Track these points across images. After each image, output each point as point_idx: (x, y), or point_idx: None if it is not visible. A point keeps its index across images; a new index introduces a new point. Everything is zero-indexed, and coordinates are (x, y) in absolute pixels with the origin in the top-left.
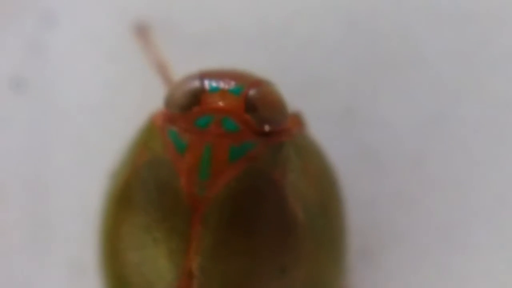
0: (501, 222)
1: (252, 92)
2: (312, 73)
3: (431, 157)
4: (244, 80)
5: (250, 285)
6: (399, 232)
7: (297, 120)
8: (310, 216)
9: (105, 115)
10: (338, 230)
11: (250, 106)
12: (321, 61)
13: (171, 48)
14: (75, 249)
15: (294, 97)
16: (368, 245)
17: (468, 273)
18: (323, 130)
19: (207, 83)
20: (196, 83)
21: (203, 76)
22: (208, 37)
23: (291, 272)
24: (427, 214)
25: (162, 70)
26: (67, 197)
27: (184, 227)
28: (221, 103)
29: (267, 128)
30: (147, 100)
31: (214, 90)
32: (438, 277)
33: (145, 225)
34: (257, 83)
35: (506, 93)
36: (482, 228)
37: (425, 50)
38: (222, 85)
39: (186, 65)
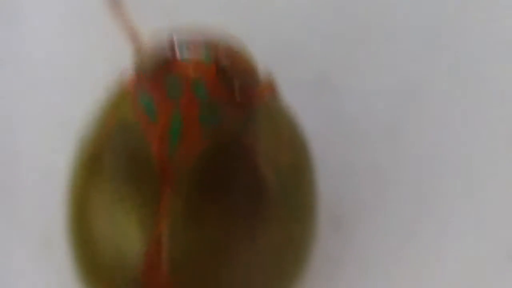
0: (474, 191)
1: (223, 59)
2: (287, 38)
3: (405, 126)
4: (215, 48)
5: (222, 250)
6: (371, 201)
7: (269, 85)
8: (281, 182)
9: (74, 84)
10: (309, 196)
11: (221, 73)
12: (297, 27)
13: (142, 17)
14: (43, 220)
15: (267, 62)
16: (340, 214)
17: (441, 241)
18: (297, 97)
19: (177, 52)
20: (167, 52)
21: (173, 44)
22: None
23: (262, 239)
24: (399, 184)
25: (133, 38)
26: (34, 166)
27: (154, 193)
28: (191, 69)
29: (238, 94)
30: (117, 70)
31: (185, 59)
32: (410, 245)
33: (114, 190)
34: (228, 50)
35: (479, 64)
36: (454, 197)
37: (401, 20)
38: (193, 54)
39: (157, 33)
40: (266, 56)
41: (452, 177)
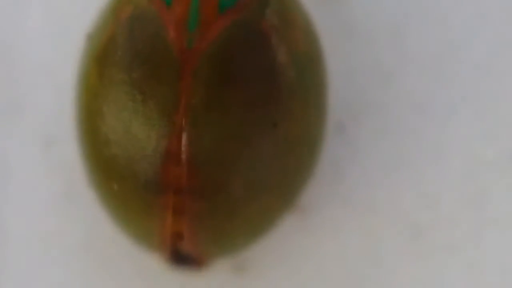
0: (478, 93)
1: None
2: None
3: (408, 29)
4: None
5: (242, 140)
6: (374, 104)
7: None
8: (299, 70)
9: None
10: (323, 86)
11: None
12: None
13: None
14: (48, 122)
15: None
16: (344, 117)
17: (443, 142)
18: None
19: None
20: None
21: None
22: None
23: (282, 125)
24: (402, 86)
25: None
26: (39, 68)
27: (174, 81)
28: None
29: None
30: None
31: None
32: (414, 148)
33: (132, 81)
34: None
35: None
36: (458, 99)
37: None
38: None
39: None
40: None
41: (457, 78)
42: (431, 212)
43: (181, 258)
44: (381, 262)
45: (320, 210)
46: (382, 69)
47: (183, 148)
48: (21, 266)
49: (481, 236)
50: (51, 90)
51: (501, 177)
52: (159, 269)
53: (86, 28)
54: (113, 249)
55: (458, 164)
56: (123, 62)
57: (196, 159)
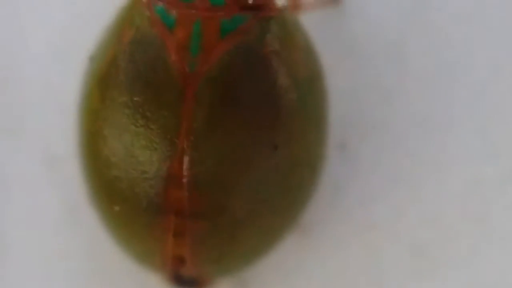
0: (478, 110)
1: None
2: None
3: (410, 47)
4: None
5: (243, 163)
6: (376, 123)
7: None
8: (300, 92)
9: (82, 7)
10: (324, 108)
11: None
12: None
13: None
14: (51, 140)
15: None
16: (345, 136)
17: (444, 160)
18: (302, 19)
19: None
20: None
21: None
22: None
23: (283, 149)
24: (405, 105)
25: None
26: (41, 87)
27: (176, 104)
28: None
29: (251, 0)
30: None
31: None
32: (414, 166)
33: (134, 104)
34: None
35: None
36: (458, 117)
37: None
38: None
39: None
40: None
41: (458, 97)
42: (432, 230)
43: (183, 280)
44: (382, 279)
45: (321, 228)
46: (382, 88)
47: (184, 171)
48: (21, 284)
49: (482, 253)
50: (54, 109)
51: (502, 194)
52: None
53: (89, 50)
54: (115, 267)
55: (459, 182)
56: (125, 85)
57: (197, 181)
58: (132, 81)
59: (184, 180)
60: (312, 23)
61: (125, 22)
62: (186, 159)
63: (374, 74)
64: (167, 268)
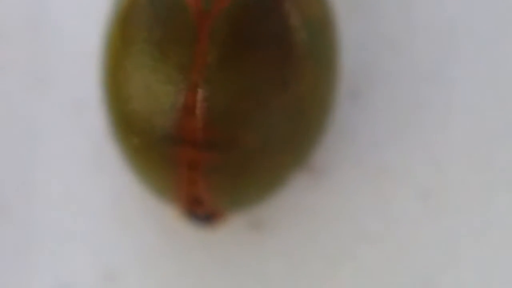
0: (485, 61)
1: None
2: None
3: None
4: None
5: (253, 97)
6: (386, 73)
7: None
8: (311, 34)
9: None
10: (335, 51)
11: None
12: None
13: None
14: (78, 88)
15: None
16: (355, 85)
17: (452, 108)
18: None
19: None
20: None
21: None
22: None
23: (293, 86)
24: (414, 55)
25: None
26: (67, 36)
27: (191, 41)
28: None
29: None
30: None
31: None
32: (423, 113)
33: (152, 41)
34: None
35: None
36: (466, 68)
37: None
38: None
39: None
40: None
41: (467, 48)
42: (440, 175)
43: (198, 214)
44: (391, 222)
45: (333, 171)
46: (392, 38)
47: (198, 103)
48: (48, 227)
49: (491, 200)
50: (81, 57)
51: (508, 140)
52: (180, 228)
53: None
54: (139, 212)
55: (467, 129)
56: (144, 24)
57: (210, 113)
58: (150, 19)
59: (198, 111)
60: None
61: None
62: (200, 92)
63: (385, 24)
64: (182, 200)
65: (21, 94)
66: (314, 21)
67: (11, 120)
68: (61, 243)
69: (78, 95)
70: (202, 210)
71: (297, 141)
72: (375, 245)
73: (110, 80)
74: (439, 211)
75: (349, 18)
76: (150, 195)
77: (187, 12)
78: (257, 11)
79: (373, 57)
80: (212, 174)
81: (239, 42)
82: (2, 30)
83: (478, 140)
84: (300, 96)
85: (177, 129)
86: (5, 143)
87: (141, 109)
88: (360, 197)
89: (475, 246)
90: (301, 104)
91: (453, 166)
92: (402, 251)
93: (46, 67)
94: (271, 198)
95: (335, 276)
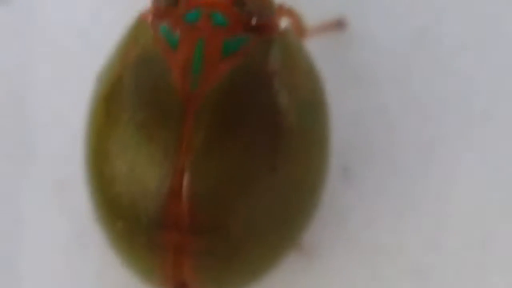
0: (482, 139)
1: None
2: None
3: (412, 75)
4: None
5: (241, 182)
6: (379, 149)
7: (286, 11)
8: (300, 114)
9: (90, 31)
10: (325, 131)
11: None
12: None
13: None
14: (60, 165)
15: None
16: (348, 162)
17: (448, 186)
18: (309, 45)
19: None
20: None
21: None
22: None
23: (282, 170)
24: (407, 132)
25: None
26: (50, 112)
27: (177, 123)
28: None
29: (254, 21)
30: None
31: None
32: (416, 194)
33: (137, 122)
34: None
35: (488, 10)
36: (462, 146)
37: None
38: None
39: None
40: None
41: (461, 125)
42: (436, 256)
43: None
44: None
45: (326, 252)
46: (386, 114)
47: (184, 188)
48: None
49: (486, 280)
50: (63, 134)
51: (506, 221)
52: None
53: (97, 71)
54: None
55: (464, 209)
56: (129, 103)
57: (197, 198)
58: (135, 99)
59: (184, 196)
60: (319, 48)
61: (130, 41)
62: (186, 176)
63: (379, 100)
64: (168, 283)
65: (2, 172)
66: (304, 102)
67: None
68: None
69: (60, 175)
70: None
71: (287, 223)
72: None
73: (93, 161)
74: None
75: (341, 94)
76: (135, 278)
77: (174, 93)
78: (245, 93)
79: (365, 134)
80: (198, 258)
81: (226, 124)
82: None
83: (473, 219)
84: (290, 179)
85: (163, 214)
86: None
87: (125, 193)
88: (354, 277)
89: None
90: (291, 186)
91: (448, 246)
92: None
93: (28, 143)
94: (262, 280)
95: None
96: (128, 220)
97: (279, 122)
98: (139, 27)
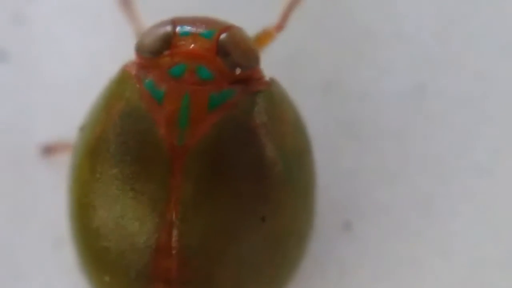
0: (481, 194)
1: (223, 36)
2: (293, 45)
3: (411, 130)
4: (215, 25)
5: (231, 234)
6: (378, 205)
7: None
8: (287, 165)
9: (89, 86)
10: (311, 179)
11: (222, 50)
12: (302, 34)
13: (154, 17)
14: (57, 223)
15: (274, 69)
16: (347, 218)
17: (448, 245)
18: (303, 102)
19: (178, 27)
20: (167, 28)
21: (174, 21)
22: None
23: (271, 220)
24: (406, 188)
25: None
26: (45, 171)
27: (164, 177)
28: (192, 46)
29: (238, 71)
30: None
31: (185, 34)
32: (417, 249)
33: (123, 177)
34: (228, 27)
35: (484, 66)
36: (462, 201)
37: (405, 24)
38: (193, 29)
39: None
40: (273, 63)
41: (460, 179)
42: None
43: None
44: None
45: None
46: (385, 170)
47: (173, 243)
48: None
49: None
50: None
51: (506, 275)
52: None
53: (79, 122)
54: None
55: (462, 263)
56: (114, 158)
57: (186, 252)
58: (121, 154)
59: (173, 251)
60: (317, 105)
61: (114, 94)
62: (174, 231)
63: (378, 156)
64: None
65: (2, 228)
66: (290, 152)
67: None
68: None
69: (58, 230)
70: None
71: (275, 272)
72: None
73: (78, 215)
74: None
75: (341, 149)
76: None
77: (161, 148)
78: (232, 145)
79: (364, 188)
80: None
81: (214, 177)
82: None
83: (475, 270)
84: (278, 228)
85: (152, 268)
86: None
87: (111, 248)
88: None
89: None
90: (279, 236)
91: None
92: None
93: (28, 203)
94: None
95: None
96: (116, 274)
97: (267, 172)
98: (123, 79)
